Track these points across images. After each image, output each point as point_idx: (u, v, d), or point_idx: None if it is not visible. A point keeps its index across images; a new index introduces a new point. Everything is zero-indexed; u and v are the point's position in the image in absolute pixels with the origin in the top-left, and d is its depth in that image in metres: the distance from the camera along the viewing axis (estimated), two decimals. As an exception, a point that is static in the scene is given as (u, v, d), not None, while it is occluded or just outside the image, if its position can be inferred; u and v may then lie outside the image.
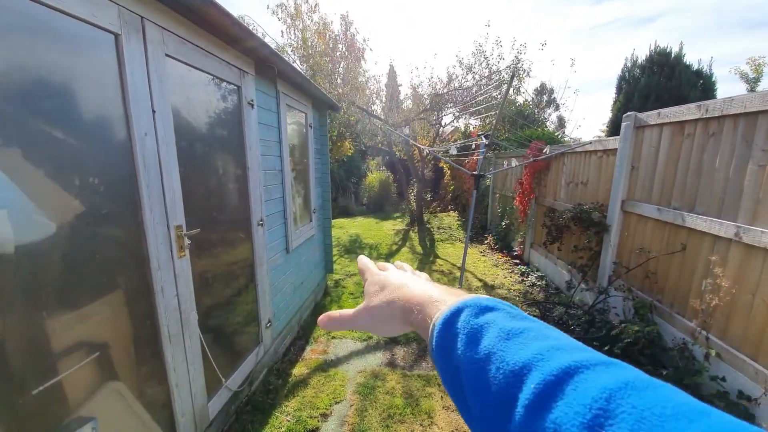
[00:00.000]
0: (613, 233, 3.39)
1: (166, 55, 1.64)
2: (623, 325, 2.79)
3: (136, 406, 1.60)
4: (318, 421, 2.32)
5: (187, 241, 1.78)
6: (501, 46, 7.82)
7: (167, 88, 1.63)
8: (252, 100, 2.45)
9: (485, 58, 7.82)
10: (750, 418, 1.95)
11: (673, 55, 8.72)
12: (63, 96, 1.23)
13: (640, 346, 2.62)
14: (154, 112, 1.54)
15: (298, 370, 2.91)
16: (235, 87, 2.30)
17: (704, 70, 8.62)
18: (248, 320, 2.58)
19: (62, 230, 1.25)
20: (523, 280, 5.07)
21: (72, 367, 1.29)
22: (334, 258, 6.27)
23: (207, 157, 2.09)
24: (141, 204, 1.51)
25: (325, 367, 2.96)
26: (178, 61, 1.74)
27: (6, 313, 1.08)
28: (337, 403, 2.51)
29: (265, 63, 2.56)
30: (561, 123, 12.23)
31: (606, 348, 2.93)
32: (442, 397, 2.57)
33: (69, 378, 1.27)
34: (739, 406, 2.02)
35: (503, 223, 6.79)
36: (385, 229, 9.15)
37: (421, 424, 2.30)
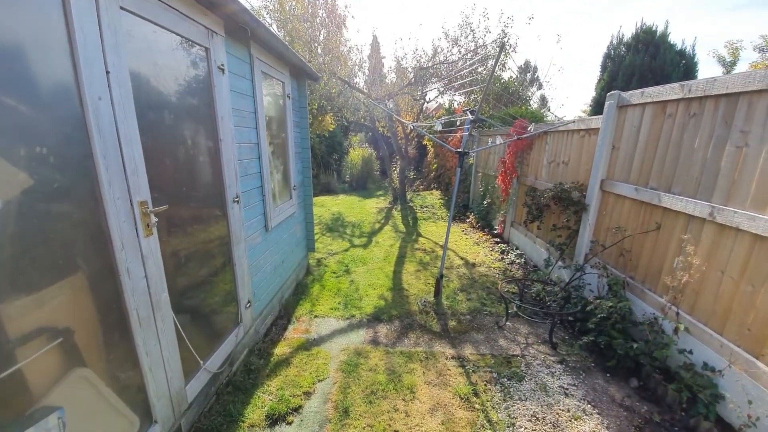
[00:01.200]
0: (592, 212, 3.46)
1: (121, 8, 1.44)
2: (597, 300, 2.89)
3: (106, 392, 1.52)
4: (301, 399, 2.32)
5: (153, 219, 1.65)
6: (488, 18, 7.58)
7: (123, 46, 1.44)
8: (222, 65, 2.25)
9: (471, 31, 7.57)
10: (713, 387, 2.09)
11: (658, 33, 8.73)
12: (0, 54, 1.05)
13: (612, 321, 2.73)
14: (108, 72, 1.36)
15: (280, 350, 2.88)
16: (203, 49, 2.08)
17: (687, 50, 8.71)
18: (226, 301, 2.49)
19: (9, 207, 1.10)
20: (503, 258, 5.18)
21: (31, 355, 1.19)
22: (316, 236, 6.18)
23: (174, 128, 1.91)
24: (98, 177, 1.36)
25: (307, 346, 2.94)
26: (135, 15, 1.53)
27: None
28: (320, 381, 2.51)
29: (236, 23, 2.34)
30: (544, 102, 12.23)
31: (580, 323, 3.06)
32: (424, 372, 2.61)
33: (29, 366, 1.18)
34: (704, 377, 2.16)
35: (485, 202, 6.84)
36: (368, 207, 9.07)
37: (403, 399, 2.34)
